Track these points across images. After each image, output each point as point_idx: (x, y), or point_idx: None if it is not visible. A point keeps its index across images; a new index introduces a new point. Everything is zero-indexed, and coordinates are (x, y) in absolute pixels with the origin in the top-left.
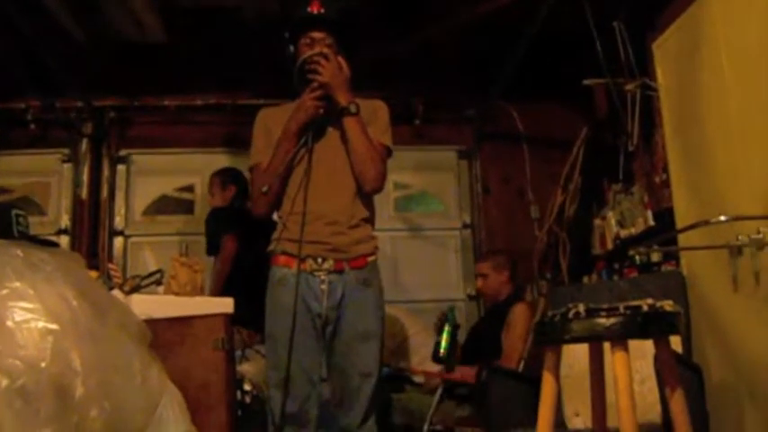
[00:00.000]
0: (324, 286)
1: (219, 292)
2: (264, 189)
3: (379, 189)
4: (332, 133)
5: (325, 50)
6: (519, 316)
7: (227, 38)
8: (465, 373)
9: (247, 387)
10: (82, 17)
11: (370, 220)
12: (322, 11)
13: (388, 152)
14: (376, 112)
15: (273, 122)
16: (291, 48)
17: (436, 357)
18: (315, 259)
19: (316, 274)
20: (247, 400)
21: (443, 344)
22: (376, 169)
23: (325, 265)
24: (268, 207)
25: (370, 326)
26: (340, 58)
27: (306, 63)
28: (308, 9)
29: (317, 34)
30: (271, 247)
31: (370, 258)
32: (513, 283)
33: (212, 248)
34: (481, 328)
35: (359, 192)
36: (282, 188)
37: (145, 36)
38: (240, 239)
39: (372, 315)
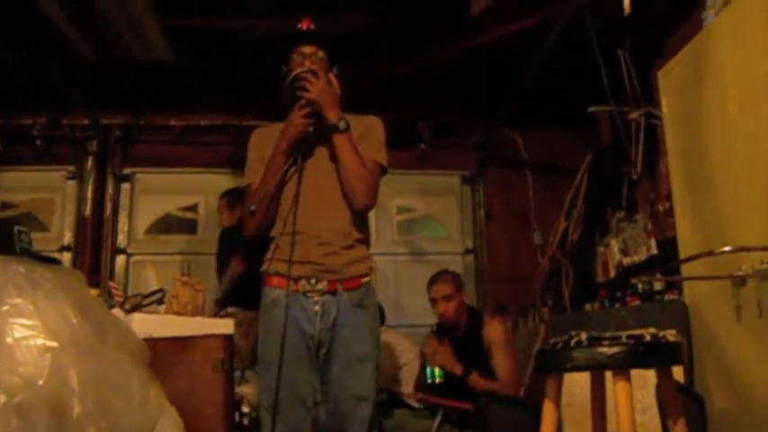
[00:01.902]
0: (317, 308)
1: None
2: (252, 208)
3: (369, 207)
4: (322, 151)
5: (314, 67)
6: (499, 334)
7: (233, 59)
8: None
9: (246, 409)
10: (90, 35)
11: (364, 241)
12: (312, 27)
13: (382, 170)
14: (370, 127)
15: (266, 142)
16: (284, 68)
17: (433, 387)
18: (308, 280)
19: (309, 295)
20: (245, 422)
21: (437, 372)
22: (365, 187)
23: (319, 287)
24: (257, 227)
25: (365, 348)
26: (330, 75)
27: (295, 80)
28: (299, 26)
29: (307, 49)
30: (263, 268)
31: (365, 279)
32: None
33: (220, 268)
34: (462, 360)
35: (351, 210)
36: (274, 208)
37: (152, 55)
38: (247, 256)
39: (367, 337)
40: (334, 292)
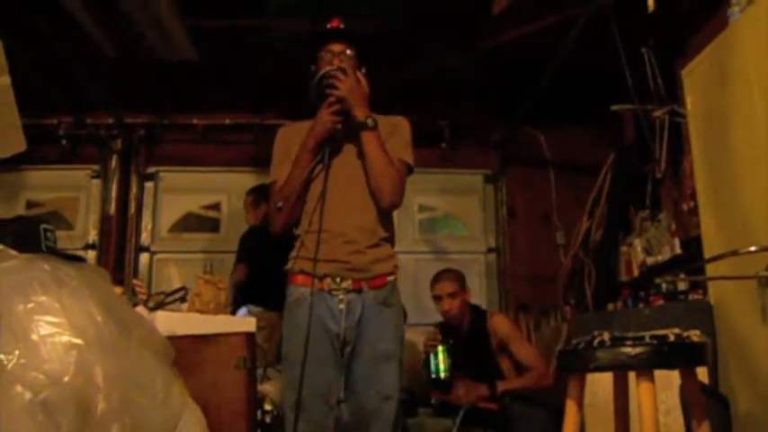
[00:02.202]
0: (342, 306)
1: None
2: (279, 205)
3: (395, 205)
4: (350, 149)
5: (344, 65)
6: (508, 324)
7: (256, 58)
8: (479, 393)
9: (268, 407)
10: (115, 35)
11: (389, 240)
12: (341, 26)
13: (409, 169)
14: (396, 127)
15: (292, 139)
16: (312, 66)
17: (437, 383)
18: (333, 278)
19: (334, 293)
20: (267, 420)
21: (442, 366)
22: (392, 184)
23: (344, 285)
24: (283, 224)
25: (389, 347)
26: (359, 73)
27: (324, 78)
28: (329, 25)
29: (336, 47)
30: (288, 266)
31: (390, 278)
32: None
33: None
34: (469, 358)
35: (377, 208)
36: (300, 205)
37: (176, 55)
38: (256, 261)
39: (392, 336)
40: (359, 291)
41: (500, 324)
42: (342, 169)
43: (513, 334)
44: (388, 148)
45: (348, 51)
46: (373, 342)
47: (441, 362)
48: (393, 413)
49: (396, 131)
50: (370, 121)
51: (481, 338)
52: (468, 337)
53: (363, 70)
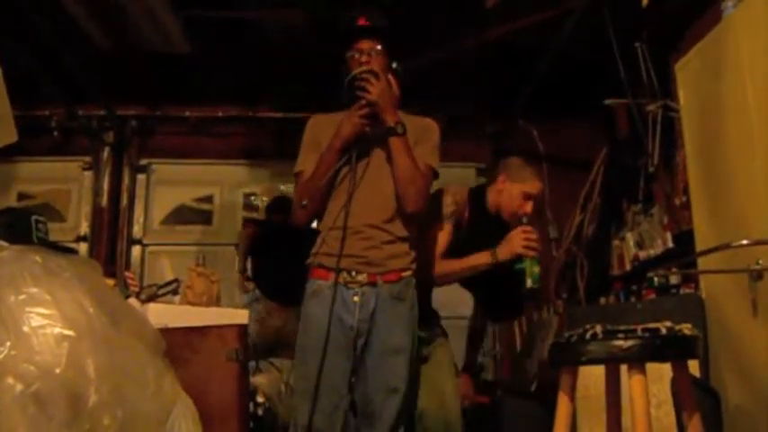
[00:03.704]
0: (357, 298)
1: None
2: (304, 203)
3: (420, 211)
4: (376, 152)
5: (375, 64)
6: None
7: (249, 50)
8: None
9: (260, 399)
10: (107, 26)
11: (408, 240)
12: (369, 23)
13: (435, 174)
14: (426, 130)
15: (322, 131)
16: (343, 66)
17: (534, 292)
18: (349, 272)
19: (349, 286)
20: (260, 412)
21: (530, 272)
22: (417, 191)
23: (359, 278)
24: (307, 219)
25: (400, 340)
26: (390, 76)
27: (355, 79)
28: (357, 23)
29: (364, 45)
30: (309, 261)
31: (405, 274)
32: None
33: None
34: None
35: (399, 211)
36: (323, 203)
37: (169, 47)
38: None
39: (404, 330)
40: (373, 284)
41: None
42: (367, 171)
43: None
44: (416, 152)
45: (378, 47)
46: (384, 335)
47: (536, 270)
48: (398, 406)
49: (425, 135)
50: (399, 128)
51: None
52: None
53: (395, 65)
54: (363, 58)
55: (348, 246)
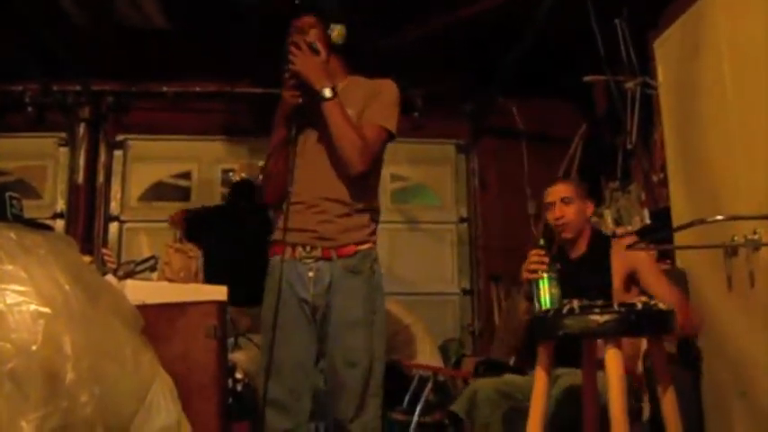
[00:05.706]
0: (311, 273)
1: None
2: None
3: (362, 173)
4: (320, 122)
5: (304, 37)
6: (643, 254)
7: (227, 26)
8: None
9: (239, 375)
10: (84, 1)
11: (367, 210)
12: (297, 1)
13: (389, 135)
14: (379, 91)
15: None
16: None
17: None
18: (304, 247)
19: (304, 261)
20: (239, 388)
21: (548, 298)
22: (356, 152)
23: (314, 253)
24: (269, 196)
25: (357, 314)
26: (318, 43)
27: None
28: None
29: (297, 21)
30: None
31: (362, 247)
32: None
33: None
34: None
35: (349, 179)
36: (279, 178)
37: (146, 22)
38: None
39: (361, 303)
40: (328, 259)
41: (631, 253)
42: (312, 142)
43: (648, 263)
44: (367, 113)
45: (309, 20)
46: (340, 309)
47: (547, 292)
48: (361, 379)
49: (378, 96)
50: (326, 92)
51: (600, 266)
52: (582, 261)
53: (338, 28)
54: (296, 37)
55: (303, 220)
